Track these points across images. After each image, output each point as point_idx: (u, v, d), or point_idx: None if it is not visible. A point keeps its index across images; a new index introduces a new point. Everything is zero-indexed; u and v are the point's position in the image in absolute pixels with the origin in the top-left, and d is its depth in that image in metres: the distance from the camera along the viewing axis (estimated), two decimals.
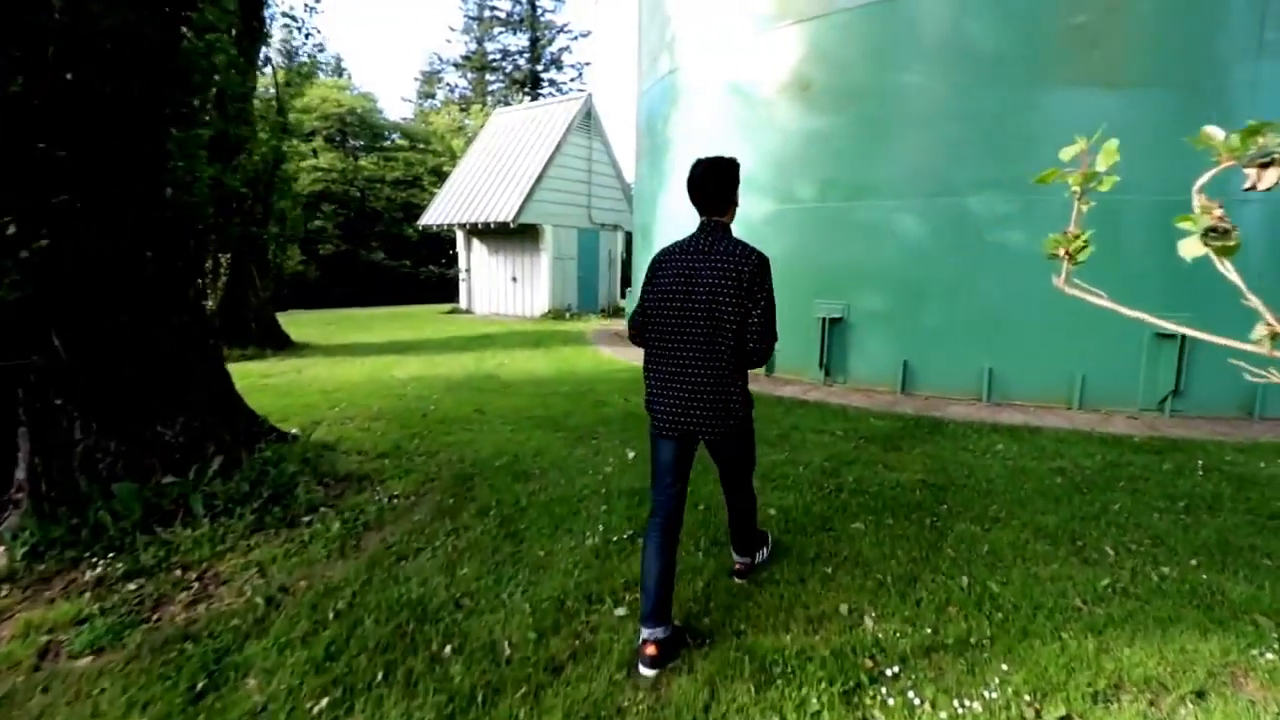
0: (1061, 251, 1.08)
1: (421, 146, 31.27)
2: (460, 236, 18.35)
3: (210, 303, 9.16)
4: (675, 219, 9.37)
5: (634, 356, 9.44)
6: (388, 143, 31.49)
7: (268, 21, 9.92)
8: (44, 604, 2.67)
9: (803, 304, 7.15)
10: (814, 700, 2.09)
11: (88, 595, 2.71)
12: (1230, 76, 5.72)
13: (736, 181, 2.46)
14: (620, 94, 62.64)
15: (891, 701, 2.09)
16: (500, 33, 38.71)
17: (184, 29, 3.78)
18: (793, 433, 5.21)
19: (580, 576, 2.87)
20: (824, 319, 7.15)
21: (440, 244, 26.91)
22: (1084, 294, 1.07)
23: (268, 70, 10.51)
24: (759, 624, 2.54)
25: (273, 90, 10.76)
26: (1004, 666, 2.27)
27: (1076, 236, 1.07)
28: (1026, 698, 2.11)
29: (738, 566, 2.93)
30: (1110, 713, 2.06)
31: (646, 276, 2.46)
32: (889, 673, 2.23)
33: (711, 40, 8.45)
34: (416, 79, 41.98)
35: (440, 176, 24.47)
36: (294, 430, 4.93)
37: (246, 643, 2.42)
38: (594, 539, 3.23)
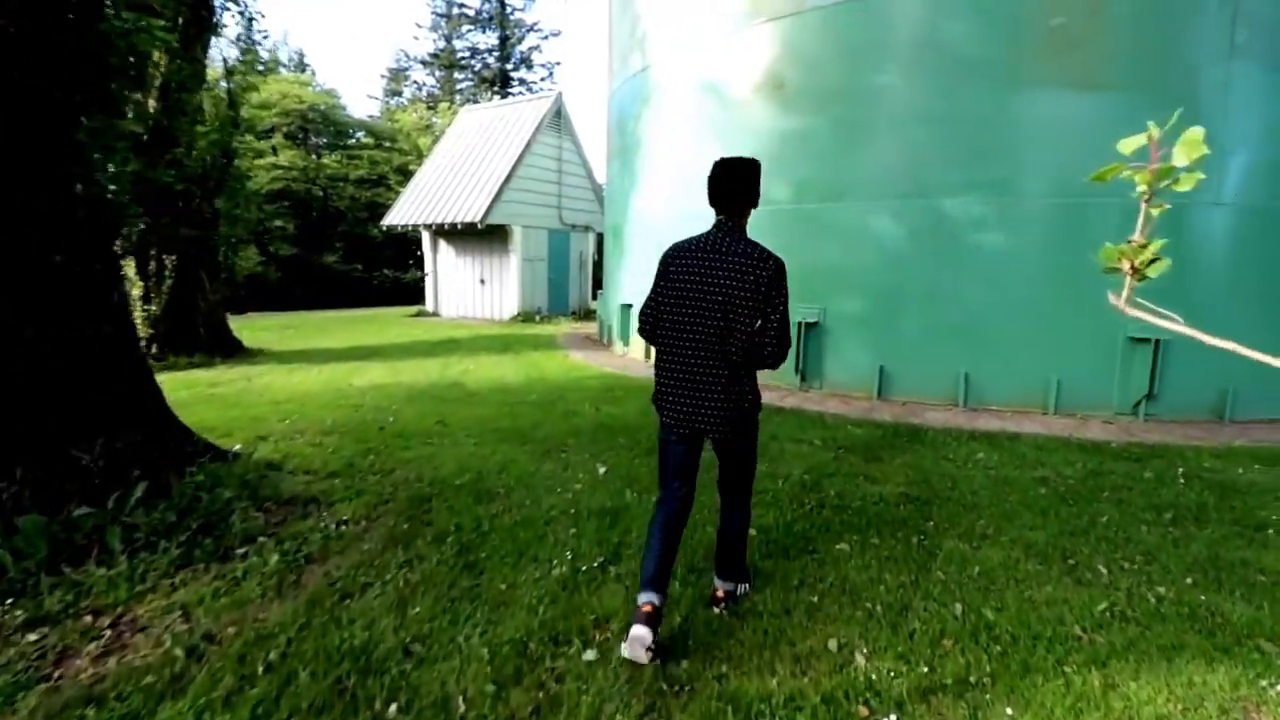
0: (1126, 265, 0.86)
1: (387, 145, 30.50)
2: (426, 237, 17.85)
3: (154, 307, 8.61)
4: (647, 220, 9.15)
5: (605, 362, 9.18)
6: (352, 140, 30.65)
7: (217, 10, 9.40)
8: None
9: None
10: None
11: None
12: (1203, 79, 5.72)
13: (758, 182, 2.44)
14: (591, 95, 62.32)
15: None
16: (469, 30, 38.09)
17: (106, 6, 3.41)
18: (771, 443, 5.02)
19: (545, 613, 2.61)
20: (800, 323, 6.99)
21: (407, 244, 26.29)
22: (1151, 316, 0.86)
23: (219, 63, 9.98)
24: (742, 665, 2.31)
25: (230, 84, 10.21)
26: (1008, 710, 2.09)
27: (1143, 247, 0.85)
28: None
29: (718, 594, 2.70)
30: None
31: (659, 271, 2.45)
32: None
33: (683, 38, 8.25)
34: (383, 76, 41.15)
35: (406, 175, 23.86)
36: (236, 448, 4.55)
37: (160, 705, 2.10)
38: (561, 568, 2.97)
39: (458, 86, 38.37)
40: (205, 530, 3.19)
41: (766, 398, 6.98)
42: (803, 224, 7.01)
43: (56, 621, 2.55)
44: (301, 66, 37.42)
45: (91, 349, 3.31)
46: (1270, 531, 3.48)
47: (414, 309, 18.76)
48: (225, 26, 9.68)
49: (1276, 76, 5.74)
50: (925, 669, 2.29)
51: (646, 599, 2.32)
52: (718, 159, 2.44)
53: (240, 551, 3.12)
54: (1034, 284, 6.14)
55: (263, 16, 10.68)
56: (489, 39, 38.16)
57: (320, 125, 29.15)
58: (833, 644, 2.43)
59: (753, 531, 3.38)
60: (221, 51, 9.94)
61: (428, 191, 17.29)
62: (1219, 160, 5.86)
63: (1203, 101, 5.72)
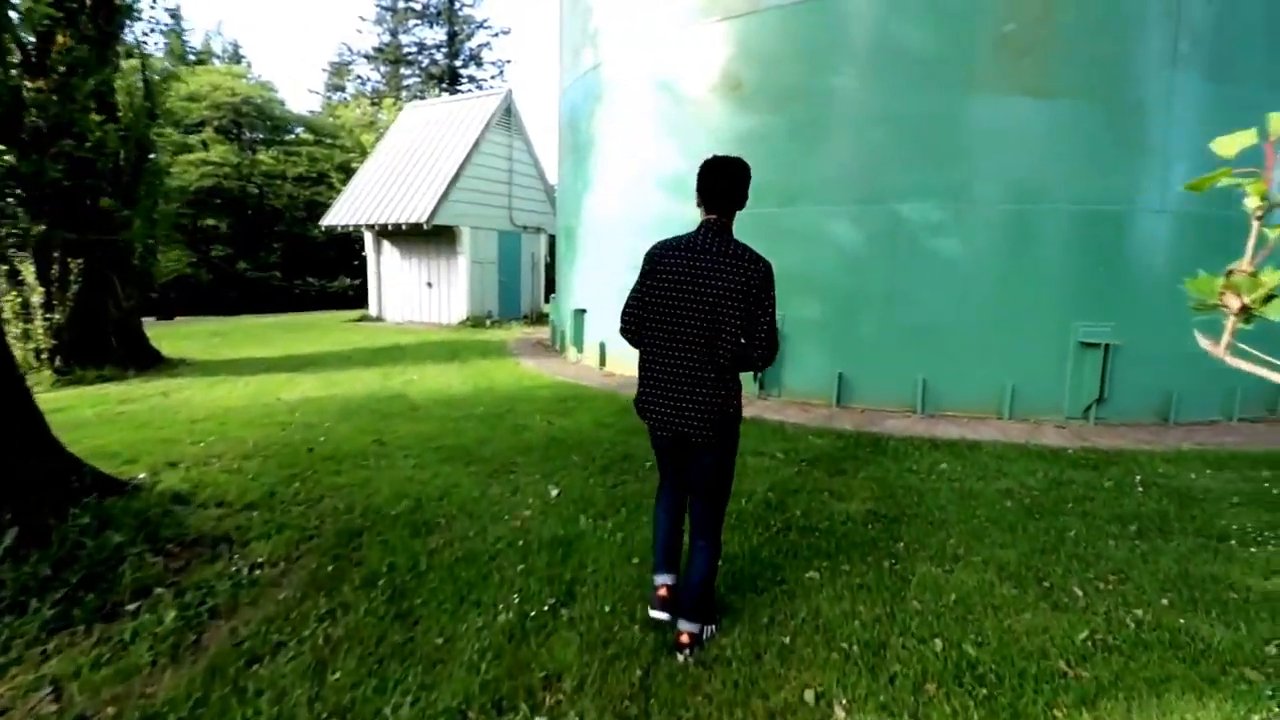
0: (1232, 302, 0.64)
1: (328, 141, 29.20)
2: (369, 238, 17.07)
3: (58, 315, 7.80)
4: (601, 221, 8.86)
5: (558, 370, 8.84)
6: (290, 136, 29.22)
7: None
8: None
9: None
10: None
11: None
12: (1148, 88, 5.81)
13: (749, 183, 2.39)
14: (543, 96, 61.56)
15: None
16: (416, 25, 36.94)
17: None
18: None
19: (488, 672, 2.29)
20: None
21: (350, 245, 25.20)
22: (1263, 370, 0.64)
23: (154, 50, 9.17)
24: None
25: (146, 72, 9.38)
26: None
27: (1253, 277, 0.63)
28: None
29: (683, 638, 2.44)
30: None
31: (644, 270, 2.39)
32: None
33: (636, 33, 8.00)
34: (325, 70, 39.21)
35: (349, 173, 22.79)
36: (140, 477, 4.05)
37: None
38: (507, 614, 2.66)
39: (404, 82, 37.17)
40: (89, 583, 2.74)
41: None
42: (761, 227, 6.80)
43: None
44: (237, 58, 35.56)
45: None
46: (1233, 543, 3.45)
47: (356, 314, 17.92)
48: (140, 9, 8.84)
49: (1215, 86, 5.88)
50: None
51: (661, 581, 2.51)
52: (708, 158, 2.35)
53: (131, 608, 2.68)
54: (989, 289, 6.14)
55: None
56: (437, 34, 37.13)
57: (255, 119, 27.67)
58: (809, 695, 2.21)
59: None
60: (135, 36, 9.12)
61: (370, 191, 16.54)
62: (1162, 168, 5.98)
63: (1149, 110, 5.82)
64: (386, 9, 36.64)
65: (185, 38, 33.82)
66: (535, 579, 2.94)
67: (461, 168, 15.43)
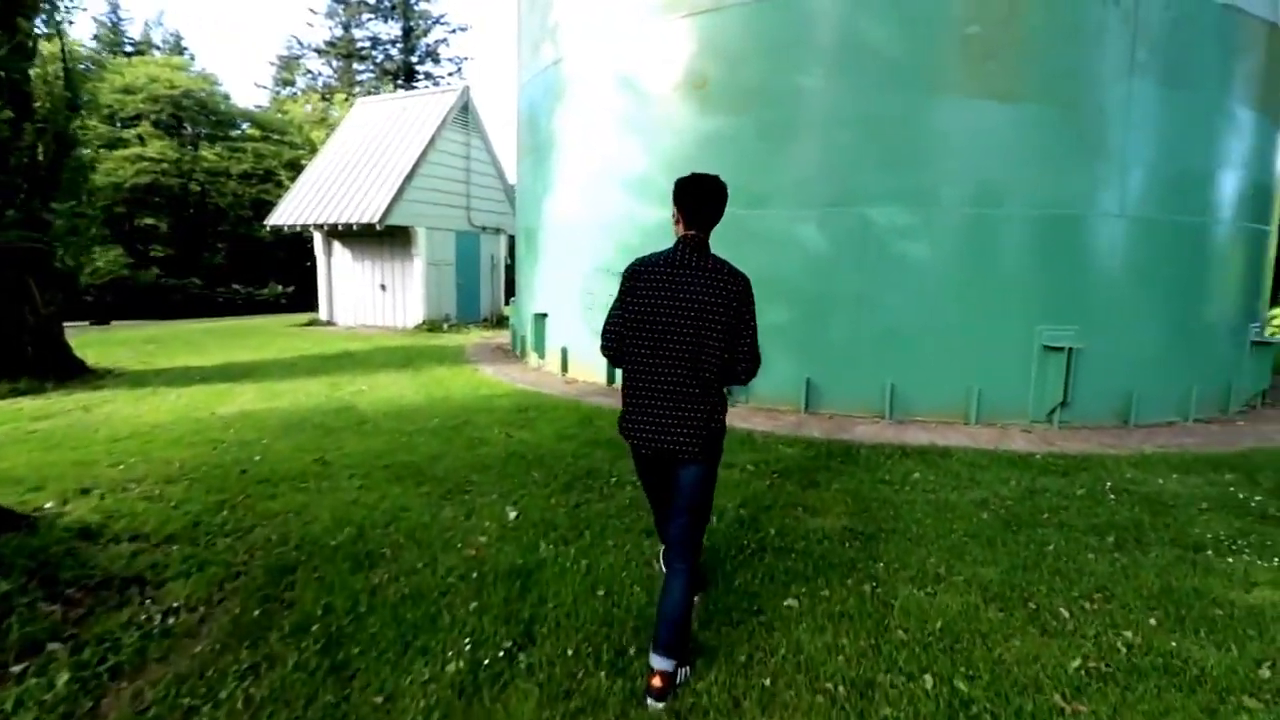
0: None
1: (276, 138, 28.06)
2: (318, 238, 16.35)
3: None
4: (562, 222, 8.57)
5: (518, 377, 8.51)
6: (235, 132, 27.96)
7: None
8: None
9: None
10: None
11: None
12: (1107, 94, 5.84)
13: (726, 199, 2.43)
14: (502, 94, 60.64)
15: None
16: (369, 19, 35.80)
17: None
18: None
19: None
20: None
21: (301, 245, 24.20)
22: None
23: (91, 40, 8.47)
24: None
25: (90, 67, 8.70)
26: None
27: None
28: None
29: (656, 681, 2.20)
30: None
31: (623, 289, 2.39)
32: None
33: (597, 28, 7.74)
34: (273, 64, 37.77)
35: (298, 171, 21.84)
36: (45, 506, 3.61)
37: None
38: (458, 662, 2.38)
39: (358, 78, 36.00)
40: None
41: None
42: (727, 230, 6.63)
43: None
44: (179, 49, 33.93)
45: None
46: (1209, 553, 3.40)
47: (305, 318, 17.15)
48: (59, 3, 8.18)
49: (1170, 93, 5.96)
50: None
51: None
52: (685, 175, 2.38)
53: (16, 670, 2.31)
54: (955, 294, 6.10)
55: None
56: (392, 29, 36.06)
57: (197, 114, 26.40)
58: None
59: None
60: (51, 22, 8.41)
61: (320, 189, 15.84)
62: (1120, 173, 6.03)
63: (1108, 116, 5.85)
64: (338, 2, 35.45)
65: (122, 26, 32.14)
66: (490, 618, 2.67)
67: (416, 166, 14.91)
